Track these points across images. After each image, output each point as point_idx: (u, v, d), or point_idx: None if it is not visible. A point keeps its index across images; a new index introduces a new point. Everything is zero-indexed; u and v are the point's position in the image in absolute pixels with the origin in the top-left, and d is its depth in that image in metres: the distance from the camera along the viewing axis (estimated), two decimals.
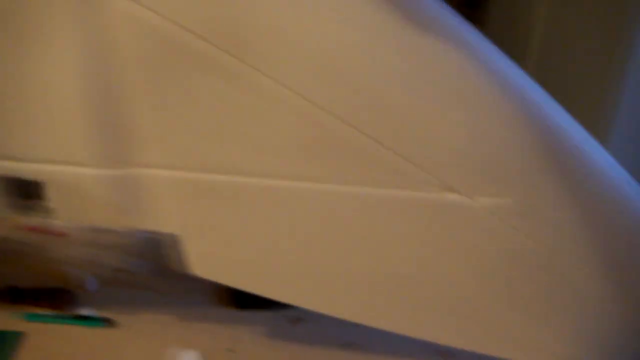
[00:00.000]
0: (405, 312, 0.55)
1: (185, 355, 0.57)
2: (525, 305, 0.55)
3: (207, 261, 0.51)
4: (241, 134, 0.47)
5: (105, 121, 0.47)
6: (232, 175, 0.48)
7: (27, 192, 0.50)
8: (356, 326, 0.64)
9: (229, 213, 0.49)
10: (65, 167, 0.48)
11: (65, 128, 0.47)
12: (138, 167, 0.48)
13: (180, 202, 0.49)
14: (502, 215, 0.49)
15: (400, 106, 0.46)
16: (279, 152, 0.47)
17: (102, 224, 0.51)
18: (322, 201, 0.49)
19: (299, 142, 0.47)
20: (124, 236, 0.55)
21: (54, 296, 0.62)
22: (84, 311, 0.61)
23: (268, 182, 0.48)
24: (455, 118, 0.47)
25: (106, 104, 0.46)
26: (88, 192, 0.49)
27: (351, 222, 0.50)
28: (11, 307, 0.61)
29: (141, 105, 0.46)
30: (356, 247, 0.51)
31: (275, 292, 0.53)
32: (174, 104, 0.46)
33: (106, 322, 0.60)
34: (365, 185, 0.48)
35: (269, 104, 0.46)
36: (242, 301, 0.63)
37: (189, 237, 0.51)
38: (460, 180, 0.48)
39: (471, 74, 0.46)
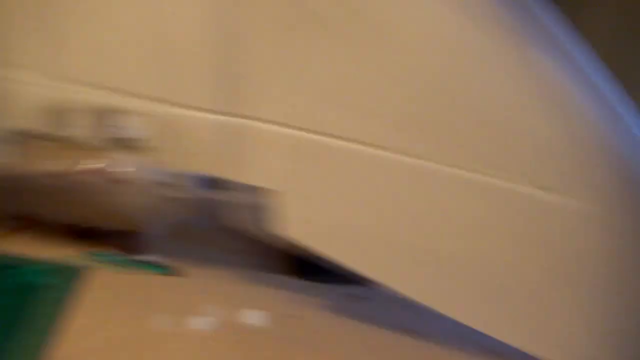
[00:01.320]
0: (471, 299, 0.56)
1: (250, 314, 0.57)
2: (582, 310, 0.58)
3: (303, 225, 0.51)
4: (354, 99, 0.48)
5: (227, 70, 0.48)
6: (338, 139, 0.49)
7: (129, 128, 0.51)
8: (413, 312, 0.65)
9: (331, 178, 0.50)
10: (180, 110, 0.49)
11: (187, 71, 0.48)
12: (250, 119, 0.49)
13: (284, 160, 0.50)
14: (587, 221, 0.51)
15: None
16: (389, 124, 0.48)
17: (203, 171, 0.52)
18: (419, 178, 0.50)
19: (408, 115, 0.48)
20: (183, 191, 0.56)
21: (121, 238, 0.62)
22: (150, 257, 0.61)
23: (375, 152, 0.49)
24: (554, 123, 0.49)
25: (231, 53, 0.47)
26: (199, 136, 0.49)
27: (445, 204, 0.51)
28: (76, 244, 0.61)
29: (263, 59, 0.48)
30: (443, 228, 0.52)
31: (360, 264, 0.53)
32: (294, 62, 0.48)
33: (170, 270, 0.60)
34: (463, 169, 0.50)
35: (382, 73, 0.47)
36: (305, 270, 0.63)
37: (288, 197, 0.51)
38: (555, 180, 0.50)
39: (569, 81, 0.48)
